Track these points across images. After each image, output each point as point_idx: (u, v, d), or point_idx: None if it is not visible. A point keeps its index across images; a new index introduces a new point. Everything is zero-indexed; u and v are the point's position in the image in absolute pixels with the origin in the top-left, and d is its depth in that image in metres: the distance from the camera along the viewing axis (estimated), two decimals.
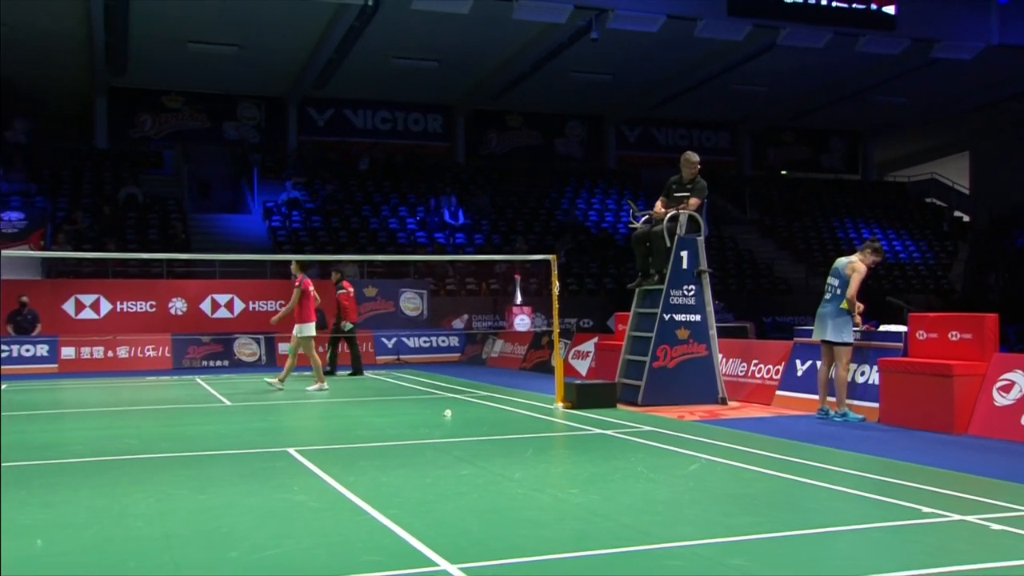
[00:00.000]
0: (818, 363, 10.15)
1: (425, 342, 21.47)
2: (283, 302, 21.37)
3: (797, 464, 6.71)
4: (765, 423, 9.17)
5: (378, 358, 20.51)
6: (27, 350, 18.81)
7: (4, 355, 18.58)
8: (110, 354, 19.22)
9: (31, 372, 18.22)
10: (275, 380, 13.25)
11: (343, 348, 16.80)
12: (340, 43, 24.28)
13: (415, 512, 5.21)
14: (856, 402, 9.49)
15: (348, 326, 15.97)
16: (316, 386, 13.28)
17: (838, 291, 9.27)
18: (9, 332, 19.27)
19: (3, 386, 14.72)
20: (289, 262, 22.93)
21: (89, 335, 19.46)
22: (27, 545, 4.61)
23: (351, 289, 16.65)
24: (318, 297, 13.98)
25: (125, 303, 20.43)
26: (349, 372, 16.44)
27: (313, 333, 13.39)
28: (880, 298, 27.73)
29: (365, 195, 28.38)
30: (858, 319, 9.34)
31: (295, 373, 14.14)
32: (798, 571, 4.03)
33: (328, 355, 16.73)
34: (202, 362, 19.55)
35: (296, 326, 13.32)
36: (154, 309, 20.61)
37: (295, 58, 26.31)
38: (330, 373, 16.08)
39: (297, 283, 13.33)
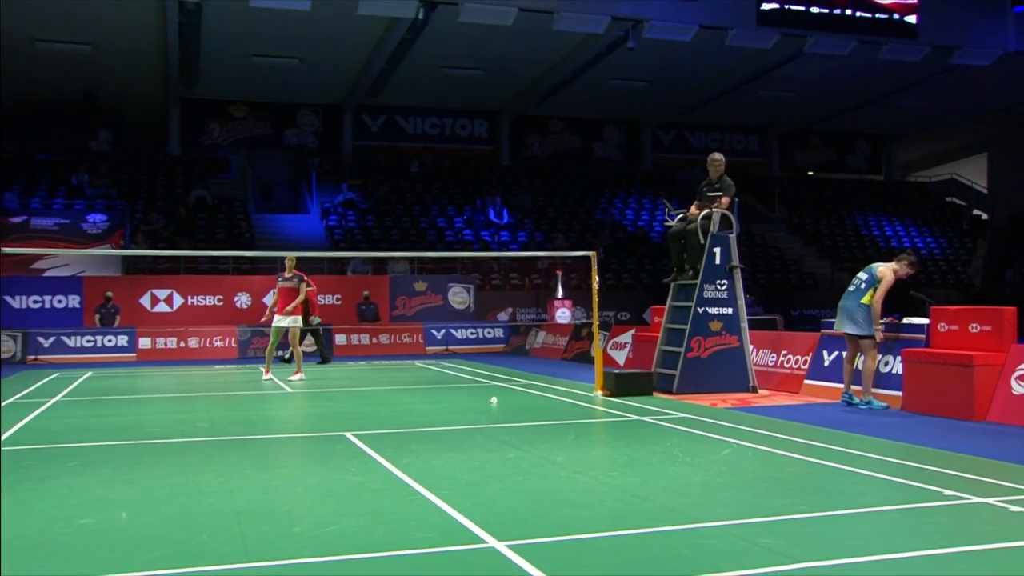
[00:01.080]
0: (844, 354, 10.05)
1: (472, 333, 21.54)
2: (340, 296, 21.74)
3: (824, 449, 6.62)
4: (794, 410, 9.06)
5: (428, 348, 20.63)
6: (110, 340, 19.24)
7: (90, 345, 19.06)
8: (182, 344, 19.57)
9: (113, 360, 18.65)
10: (296, 376, 13.25)
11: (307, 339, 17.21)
12: (392, 54, 24.42)
13: (464, 492, 5.23)
14: (880, 391, 9.38)
15: (316, 320, 16.20)
16: (298, 376, 13.25)
17: (863, 286, 9.21)
18: (96, 324, 19.75)
19: (88, 373, 15.07)
20: (345, 259, 23.38)
21: (163, 327, 19.86)
22: (114, 517, 4.71)
23: (314, 285, 17.05)
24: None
25: (195, 297, 20.81)
26: (318, 362, 16.75)
27: (301, 326, 13.52)
28: (903, 292, 27.62)
29: (415, 196, 28.52)
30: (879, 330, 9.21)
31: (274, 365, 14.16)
32: (826, 550, 3.98)
33: (318, 344, 17.19)
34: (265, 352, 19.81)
35: (290, 318, 13.24)
36: (221, 303, 20.95)
37: (350, 69, 26.50)
38: (325, 361, 16.76)
39: (306, 279, 13.42)
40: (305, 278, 13.51)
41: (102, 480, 5.72)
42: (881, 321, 9.27)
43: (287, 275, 13.29)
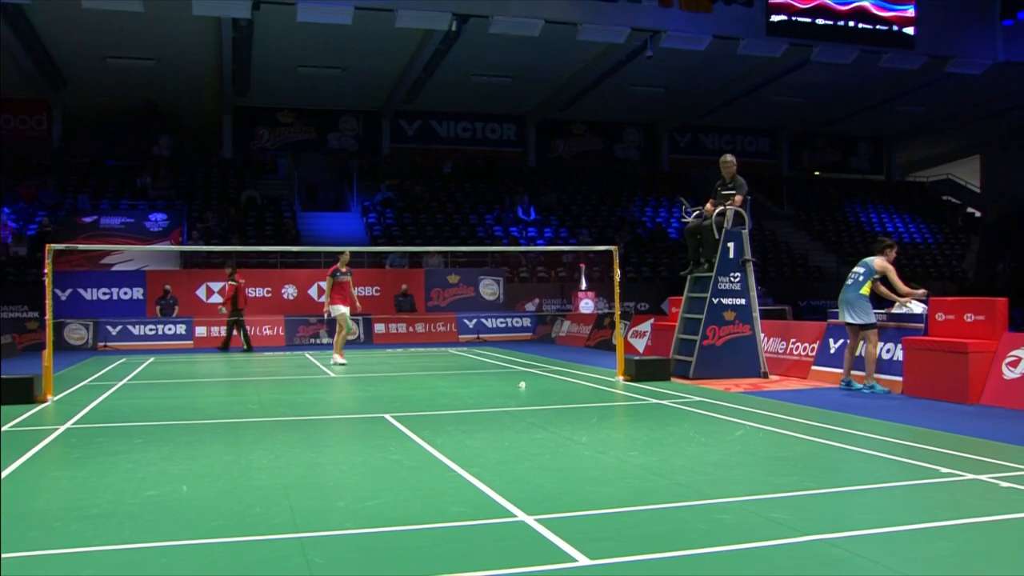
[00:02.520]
0: (847, 342, 10.00)
1: (501, 323, 21.56)
2: (379, 289, 21.86)
3: (831, 430, 6.57)
4: (802, 394, 8.98)
5: (460, 337, 20.68)
6: (169, 329, 19.51)
7: (152, 333, 19.34)
8: (234, 333, 19.79)
9: (172, 347, 18.91)
10: (338, 357, 13.46)
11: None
12: (427, 63, 24.45)
13: (495, 470, 5.24)
14: (883, 376, 9.37)
15: (233, 312, 16.81)
16: (340, 360, 13.39)
17: (860, 279, 9.20)
18: (157, 314, 20.03)
19: (151, 359, 15.29)
20: (384, 254, 23.49)
21: (217, 316, 20.06)
22: (175, 490, 4.79)
23: (243, 280, 17.65)
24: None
25: (246, 289, 20.98)
26: (243, 349, 17.22)
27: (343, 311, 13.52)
28: (904, 284, 27.46)
29: (448, 195, 28.55)
30: (920, 295, 9.46)
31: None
32: (832, 523, 3.96)
33: (242, 335, 17.47)
34: (310, 340, 19.95)
35: (332, 307, 13.40)
36: (270, 294, 21.14)
37: (388, 77, 26.57)
38: (249, 349, 17.18)
39: (331, 272, 13.44)
40: (345, 272, 13.52)
41: (164, 456, 5.81)
42: (921, 304, 9.46)
43: (343, 269, 13.43)
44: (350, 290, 13.60)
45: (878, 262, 9.20)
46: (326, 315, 13.88)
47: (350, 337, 15.37)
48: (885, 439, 6.20)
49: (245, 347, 17.31)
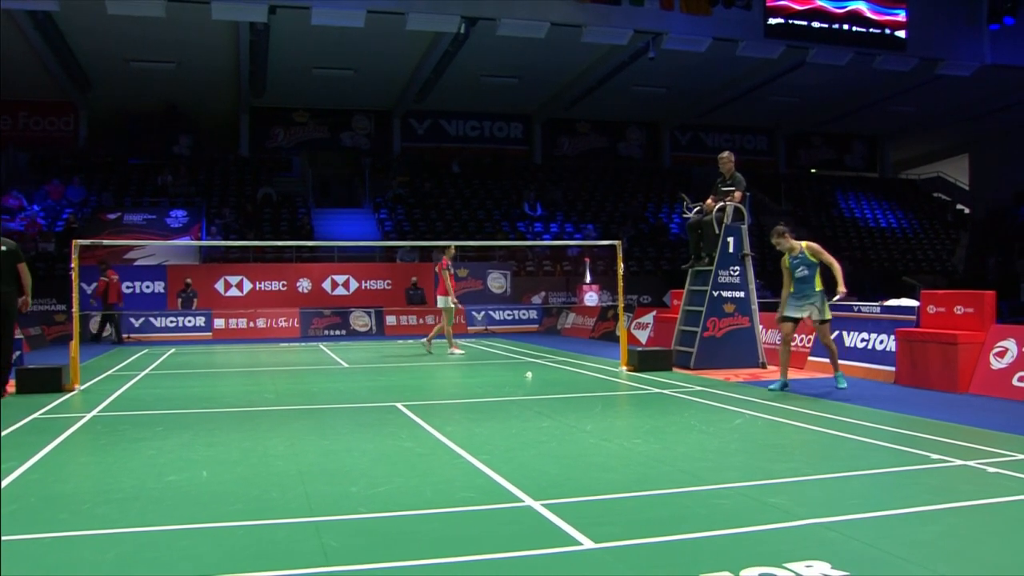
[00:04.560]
0: (845, 334, 9.93)
1: (508, 315, 21.57)
2: (390, 282, 21.89)
3: (826, 419, 6.56)
4: (799, 384, 8.94)
5: (469, 328, 20.69)
6: (189, 321, 19.58)
7: (173, 325, 19.43)
8: (251, 324, 19.87)
9: (192, 339, 18.98)
10: (454, 349, 13.54)
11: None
12: (436, 65, 24.42)
13: (503, 457, 5.24)
14: (876, 366, 9.37)
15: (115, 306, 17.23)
16: (457, 351, 13.50)
17: (807, 273, 8.31)
18: (177, 306, 20.11)
19: (172, 350, 15.36)
20: (395, 248, 23.51)
21: (235, 309, 20.15)
22: (196, 475, 4.81)
23: (115, 276, 18.00)
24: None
25: (262, 283, 21.09)
26: (113, 340, 17.65)
27: (452, 305, 13.52)
28: (896, 278, 27.42)
29: (457, 191, 28.54)
30: (843, 290, 8.27)
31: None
32: (827, 508, 3.96)
33: (112, 328, 17.85)
34: (324, 331, 20.02)
35: (440, 298, 13.47)
36: (285, 288, 21.20)
37: (399, 78, 26.55)
38: (119, 342, 17.43)
39: (446, 266, 13.37)
40: (447, 265, 13.42)
41: (185, 443, 5.84)
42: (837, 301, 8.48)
43: (446, 263, 13.49)
44: (454, 283, 13.63)
45: (815, 248, 8.38)
46: (455, 304, 13.75)
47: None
48: (878, 427, 6.19)
49: (115, 339, 17.72)
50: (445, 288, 13.34)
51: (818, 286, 8.36)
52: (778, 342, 9.17)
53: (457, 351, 13.52)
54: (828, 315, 8.39)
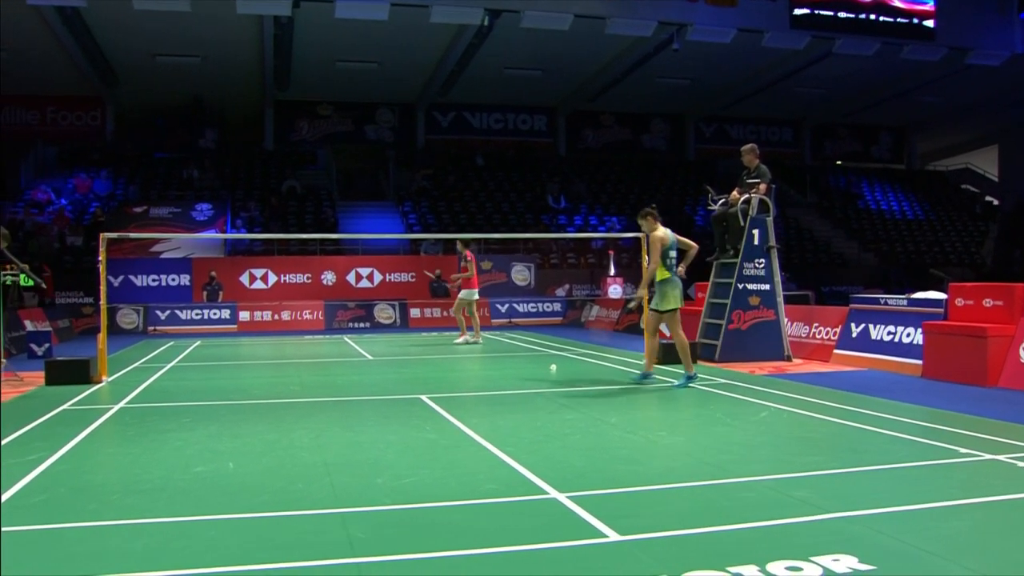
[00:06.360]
0: (871, 327, 9.84)
1: (532, 307, 21.55)
2: (415, 274, 21.96)
3: (852, 412, 6.49)
4: (825, 377, 8.88)
5: (493, 321, 20.70)
6: (214, 313, 19.80)
7: (198, 317, 19.66)
8: (276, 317, 20.02)
9: (217, 331, 19.19)
10: (471, 337, 13.71)
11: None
12: (460, 57, 24.40)
13: (527, 449, 5.25)
14: (903, 359, 9.27)
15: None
16: (477, 341, 13.68)
17: (674, 263, 8.26)
18: (203, 299, 20.34)
19: (198, 342, 15.55)
20: (419, 241, 23.58)
21: (260, 302, 20.33)
22: (222, 467, 4.87)
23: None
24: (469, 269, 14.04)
25: (287, 275, 21.24)
26: None
27: (476, 298, 13.81)
28: (924, 270, 27.07)
29: (481, 183, 28.55)
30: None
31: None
32: (852, 502, 3.92)
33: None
34: (348, 324, 20.13)
35: (464, 291, 13.66)
36: (310, 280, 21.34)
37: (423, 71, 26.57)
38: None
39: (469, 257, 13.56)
40: (471, 257, 13.68)
41: (211, 434, 5.91)
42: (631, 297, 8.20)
43: (469, 256, 13.65)
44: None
45: (676, 237, 8.26)
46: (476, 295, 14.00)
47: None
48: (905, 420, 6.12)
49: None
50: (470, 280, 13.53)
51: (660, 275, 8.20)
52: (803, 336, 9.12)
53: (467, 341, 13.61)
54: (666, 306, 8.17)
